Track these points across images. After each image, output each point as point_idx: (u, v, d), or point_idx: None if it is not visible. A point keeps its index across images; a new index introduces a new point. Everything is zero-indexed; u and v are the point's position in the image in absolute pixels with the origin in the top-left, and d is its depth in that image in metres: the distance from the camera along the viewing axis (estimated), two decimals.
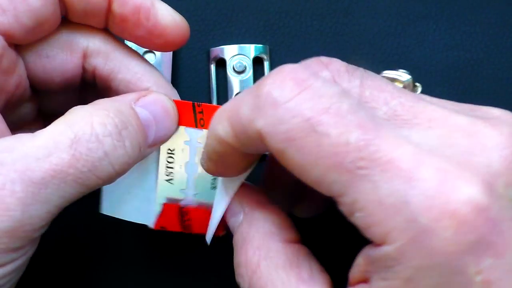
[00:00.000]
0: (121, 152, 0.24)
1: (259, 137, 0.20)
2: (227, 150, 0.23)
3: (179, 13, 0.33)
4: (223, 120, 0.22)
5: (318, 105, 0.19)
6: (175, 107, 0.27)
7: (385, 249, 0.19)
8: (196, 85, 0.35)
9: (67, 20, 0.27)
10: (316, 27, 0.36)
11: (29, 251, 0.23)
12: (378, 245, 0.19)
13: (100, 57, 0.27)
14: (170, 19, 0.27)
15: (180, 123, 0.27)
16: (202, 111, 0.27)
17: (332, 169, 0.19)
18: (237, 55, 0.35)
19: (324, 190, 0.20)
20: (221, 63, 0.36)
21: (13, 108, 0.27)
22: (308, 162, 0.19)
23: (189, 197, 0.28)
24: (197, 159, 0.27)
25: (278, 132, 0.20)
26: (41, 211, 0.22)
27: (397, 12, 0.36)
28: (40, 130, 0.23)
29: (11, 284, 0.23)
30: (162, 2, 0.27)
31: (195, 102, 0.27)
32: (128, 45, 0.29)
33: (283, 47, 0.36)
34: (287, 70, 0.20)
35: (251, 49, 0.35)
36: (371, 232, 0.19)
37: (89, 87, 0.29)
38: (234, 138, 0.22)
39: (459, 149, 0.20)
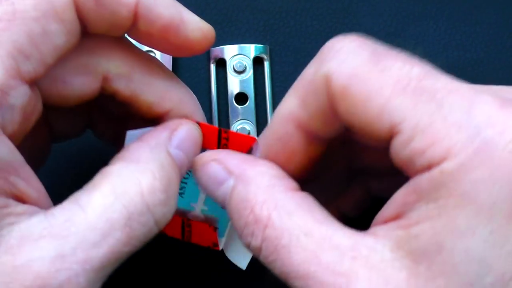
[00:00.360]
0: (168, 217, 0.23)
1: (325, 83, 0.22)
2: (291, 130, 0.24)
3: None
4: (287, 97, 0.24)
5: (376, 47, 0.22)
6: (200, 133, 0.26)
7: (444, 166, 0.19)
8: (196, 85, 0.35)
9: (85, 36, 0.24)
10: (316, 27, 0.36)
11: None
12: (435, 165, 0.20)
13: (121, 80, 0.26)
14: (198, 33, 0.25)
15: (202, 145, 0.26)
16: (228, 138, 0.26)
17: (396, 94, 0.21)
18: (237, 55, 0.35)
19: (385, 121, 0.21)
20: (221, 63, 0.36)
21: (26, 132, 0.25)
22: (372, 92, 0.21)
23: (197, 212, 0.28)
24: None
25: (343, 70, 0.21)
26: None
27: (397, 12, 0.36)
28: (87, 199, 0.22)
29: None
30: (190, 13, 0.25)
31: (222, 128, 0.26)
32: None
33: (283, 47, 0.36)
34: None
35: (251, 49, 0.35)
36: (430, 153, 0.20)
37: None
38: (300, 106, 0.23)
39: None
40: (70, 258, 0.20)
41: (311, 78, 0.23)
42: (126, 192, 0.22)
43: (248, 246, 0.23)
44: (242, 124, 0.35)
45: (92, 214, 0.21)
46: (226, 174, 0.24)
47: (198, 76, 0.36)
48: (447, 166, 0.19)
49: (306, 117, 0.23)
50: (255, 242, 0.22)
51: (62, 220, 0.21)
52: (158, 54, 0.34)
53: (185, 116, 0.27)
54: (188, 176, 0.27)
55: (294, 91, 0.24)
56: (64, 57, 0.24)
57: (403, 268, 0.20)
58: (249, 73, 0.35)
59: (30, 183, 0.23)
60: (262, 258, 0.22)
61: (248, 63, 0.35)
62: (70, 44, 0.23)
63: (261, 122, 0.35)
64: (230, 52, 0.35)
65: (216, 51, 0.35)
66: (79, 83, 0.25)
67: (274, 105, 0.35)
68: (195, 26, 0.25)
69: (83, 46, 0.25)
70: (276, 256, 0.21)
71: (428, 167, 0.20)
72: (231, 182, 0.24)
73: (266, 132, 0.25)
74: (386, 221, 0.21)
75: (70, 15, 0.23)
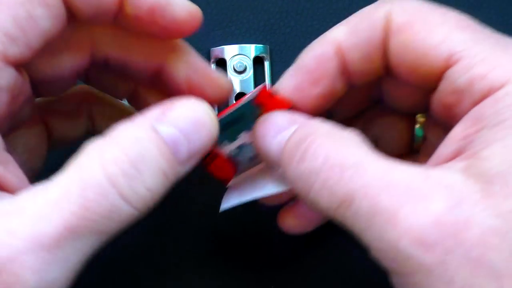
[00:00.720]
0: (140, 191, 0.21)
1: (385, 17, 0.23)
2: (331, 53, 0.24)
3: None
4: (336, 26, 0.25)
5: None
6: (210, 111, 0.24)
7: (509, 87, 0.20)
8: None
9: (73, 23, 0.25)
10: (316, 27, 0.36)
11: None
12: (497, 89, 0.21)
13: (110, 42, 0.26)
14: (185, 14, 0.25)
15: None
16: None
17: (457, 29, 0.22)
18: (237, 55, 0.35)
19: (444, 50, 0.22)
20: (221, 63, 0.36)
21: (13, 119, 0.25)
22: (433, 26, 0.23)
23: (226, 151, 0.27)
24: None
25: (406, 7, 0.23)
26: (60, 272, 0.20)
27: None
28: (56, 178, 0.21)
29: None
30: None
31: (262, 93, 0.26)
32: None
33: (283, 47, 0.36)
34: None
35: (251, 49, 0.35)
36: (492, 76, 0.21)
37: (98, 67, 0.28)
38: (349, 34, 0.25)
39: None
40: (19, 234, 0.19)
41: (368, 12, 0.25)
42: (85, 163, 0.21)
43: (303, 172, 0.22)
44: None
45: (53, 190, 0.21)
46: (288, 123, 0.24)
47: None
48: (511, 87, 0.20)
49: (350, 45, 0.24)
50: (315, 165, 0.22)
51: (23, 200, 0.21)
52: None
53: (203, 93, 0.26)
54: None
55: (346, 21, 0.25)
56: (51, 41, 0.24)
57: (477, 190, 0.19)
58: (249, 73, 0.35)
59: (8, 169, 0.22)
60: (317, 182, 0.22)
61: (248, 63, 0.35)
62: (56, 28, 0.23)
63: None
64: (230, 52, 0.35)
65: (216, 51, 0.35)
66: (67, 59, 0.26)
67: None
68: (182, 7, 0.25)
69: (69, 25, 0.25)
70: (338, 177, 0.21)
71: (489, 91, 0.21)
72: (292, 129, 0.24)
73: (305, 50, 0.26)
74: (447, 160, 0.21)
75: (55, 0, 0.23)
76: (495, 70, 0.21)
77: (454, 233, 0.19)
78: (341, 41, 0.25)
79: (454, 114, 0.23)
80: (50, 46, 0.24)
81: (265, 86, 0.26)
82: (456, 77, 0.22)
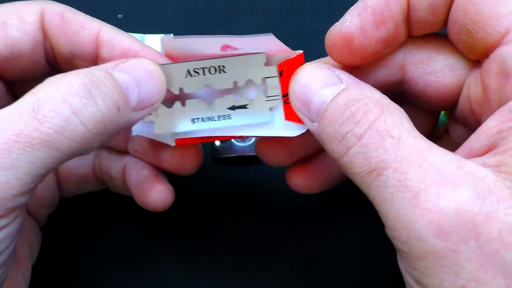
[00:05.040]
0: (92, 110, 0.22)
1: None
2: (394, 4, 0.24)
3: (180, 13, 0.33)
4: None
5: None
6: (160, 69, 0.26)
7: None
8: None
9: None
10: (316, 27, 0.36)
11: (14, 221, 0.22)
12: None
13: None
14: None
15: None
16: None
17: None
18: None
19: (507, 24, 0.22)
20: None
21: None
22: None
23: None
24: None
25: None
26: (8, 178, 0.21)
27: None
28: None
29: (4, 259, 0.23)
30: (150, 46, 0.27)
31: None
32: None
33: None
34: None
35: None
36: None
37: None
38: None
39: None
40: None
41: None
42: (43, 87, 0.23)
43: (344, 133, 0.22)
44: None
45: (7, 109, 0.22)
46: (337, 79, 0.24)
47: None
48: None
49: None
50: (359, 129, 0.22)
51: None
52: None
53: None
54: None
55: None
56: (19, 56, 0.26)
57: (506, 187, 0.19)
58: None
59: None
60: (356, 146, 0.22)
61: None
62: (24, 46, 0.26)
63: None
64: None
65: None
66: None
67: None
68: (153, 56, 0.26)
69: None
70: (377, 145, 0.21)
71: None
72: (342, 86, 0.23)
73: None
74: (479, 154, 0.21)
75: (32, 18, 0.26)
76: None
77: (472, 224, 0.19)
78: None
79: (492, 99, 0.23)
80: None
81: (302, 55, 0.26)
82: (508, 57, 0.22)
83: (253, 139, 0.34)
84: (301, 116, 0.25)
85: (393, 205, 0.20)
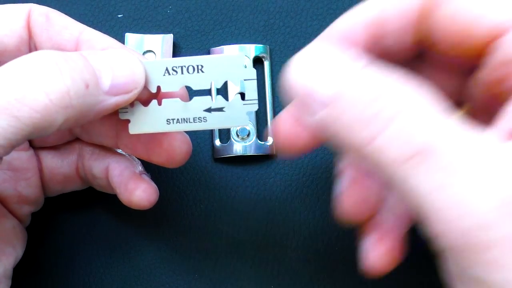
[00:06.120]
0: (56, 80, 0.22)
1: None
2: (360, 27, 0.23)
3: (180, 13, 0.33)
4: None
5: None
6: (137, 60, 0.25)
7: None
8: None
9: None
10: (316, 27, 0.36)
11: None
12: None
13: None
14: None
15: None
16: None
17: (503, 3, 0.21)
18: None
19: (494, 18, 0.21)
20: None
21: None
22: None
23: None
24: None
25: None
26: None
27: None
28: None
29: None
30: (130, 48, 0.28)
31: None
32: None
33: (283, 47, 0.36)
34: None
35: (251, 49, 0.35)
36: None
37: None
38: (383, 7, 0.23)
39: None
40: None
41: None
42: (9, 62, 0.23)
43: (373, 114, 0.19)
44: None
45: None
46: (350, 58, 0.21)
47: None
48: None
49: (386, 16, 0.23)
50: (393, 108, 0.19)
51: None
52: (158, 55, 0.34)
53: None
54: None
55: None
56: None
57: None
58: None
59: None
60: (392, 127, 0.19)
61: (248, 63, 0.35)
62: (8, 40, 0.26)
63: (261, 123, 0.35)
64: (230, 52, 0.35)
65: (216, 51, 0.35)
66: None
67: (274, 105, 0.35)
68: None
69: None
70: (420, 125, 0.18)
71: None
72: (358, 64, 0.21)
73: (338, 18, 0.24)
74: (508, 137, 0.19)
75: (19, 17, 0.26)
76: None
77: None
78: (377, 12, 0.23)
79: (502, 92, 0.21)
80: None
81: None
82: (509, 45, 0.21)
83: (254, 139, 0.34)
84: (299, 108, 0.21)
85: (447, 191, 0.17)
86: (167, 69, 0.26)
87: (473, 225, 0.17)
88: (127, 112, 0.26)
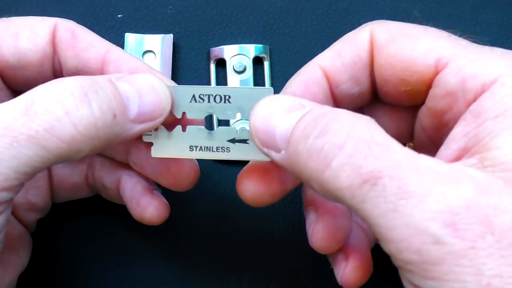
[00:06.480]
0: (85, 112, 0.22)
1: (369, 34, 0.24)
2: (318, 76, 0.25)
3: (180, 13, 0.32)
4: (324, 52, 0.26)
5: None
6: (165, 86, 0.25)
7: (504, 80, 0.21)
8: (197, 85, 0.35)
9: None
10: (316, 27, 0.36)
11: (2, 214, 0.22)
12: (491, 83, 0.21)
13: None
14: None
15: None
16: None
17: (442, 39, 0.23)
18: (237, 55, 0.35)
19: (432, 56, 0.23)
20: (221, 63, 0.36)
21: None
22: (418, 37, 0.24)
23: None
24: None
25: (389, 24, 0.25)
26: None
27: (397, 12, 0.36)
28: None
29: None
30: (157, 70, 0.28)
31: None
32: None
33: (283, 47, 0.36)
34: None
35: (251, 49, 0.35)
36: (484, 74, 0.21)
37: None
38: (335, 57, 0.25)
39: None
40: None
41: (352, 35, 0.25)
42: (38, 89, 0.23)
43: (321, 146, 0.20)
44: (242, 124, 0.35)
45: (3, 104, 0.22)
46: (300, 105, 0.23)
47: (198, 76, 0.36)
48: (507, 79, 0.21)
49: (336, 68, 0.25)
50: (338, 138, 0.20)
51: None
52: (157, 55, 0.34)
53: None
54: None
55: (331, 47, 0.26)
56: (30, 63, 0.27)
57: (498, 179, 0.19)
58: (249, 73, 0.35)
59: None
60: (339, 157, 0.20)
61: (248, 63, 0.35)
62: (33, 56, 0.26)
63: None
64: (230, 52, 0.35)
65: (216, 51, 0.35)
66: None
67: None
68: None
69: None
70: (365, 153, 0.20)
71: (483, 87, 0.21)
72: (306, 109, 0.22)
73: (292, 77, 0.26)
74: (454, 160, 0.21)
75: (44, 32, 0.26)
76: (485, 68, 0.21)
77: (485, 218, 0.18)
78: (327, 65, 0.25)
79: (447, 121, 0.23)
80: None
81: None
82: (448, 79, 0.22)
83: None
84: (265, 151, 0.23)
85: (397, 214, 0.19)
86: (194, 96, 0.26)
87: (425, 244, 0.18)
88: (151, 135, 0.26)
